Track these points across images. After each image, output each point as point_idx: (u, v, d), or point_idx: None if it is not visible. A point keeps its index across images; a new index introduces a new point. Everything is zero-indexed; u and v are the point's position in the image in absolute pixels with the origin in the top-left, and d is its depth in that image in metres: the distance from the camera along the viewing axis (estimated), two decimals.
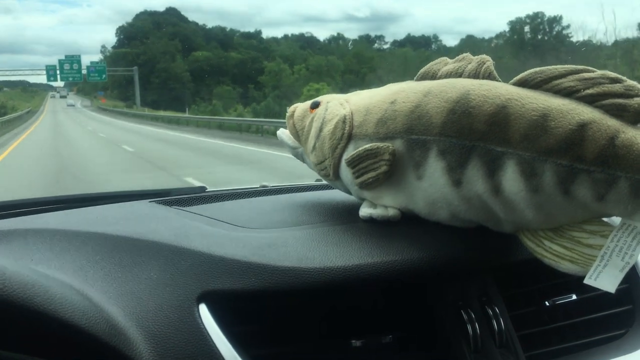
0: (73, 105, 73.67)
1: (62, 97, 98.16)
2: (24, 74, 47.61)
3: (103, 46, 72.87)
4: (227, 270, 0.59)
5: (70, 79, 47.83)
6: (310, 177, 1.06)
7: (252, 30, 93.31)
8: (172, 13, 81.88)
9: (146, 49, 64.84)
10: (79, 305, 0.48)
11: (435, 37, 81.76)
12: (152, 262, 0.62)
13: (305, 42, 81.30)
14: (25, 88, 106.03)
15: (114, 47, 75.71)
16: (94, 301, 0.53)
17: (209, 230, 0.71)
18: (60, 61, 46.30)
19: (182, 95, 57.79)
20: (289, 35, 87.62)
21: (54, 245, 0.67)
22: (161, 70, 61.53)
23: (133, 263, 0.62)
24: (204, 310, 0.57)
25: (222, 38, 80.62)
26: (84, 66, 47.60)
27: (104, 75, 49.34)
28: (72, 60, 46.45)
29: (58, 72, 45.81)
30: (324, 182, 0.92)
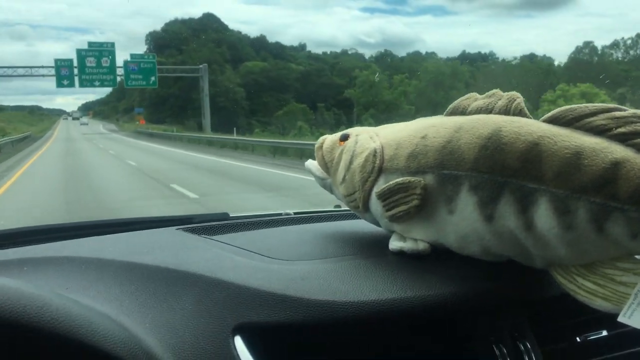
0: (87, 124, 59.89)
1: (74, 119, 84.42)
2: (24, 73, 29.16)
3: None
4: (262, 302, 0.59)
5: (97, 83, 25.26)
6: None
7: (295, 44, 79.71)
8: (210, 19, 67.95)
9: (186, 58, 50.24)
10: (120, 337, 0.49)
11: (492, 54, 68.15)
12: (186, 293, 0.62)
13: (353, 58, 67.00)
14: (33, 111, 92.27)
15: None
16: (132, 332, 0.53)
17: (241, 262, 0.72)
18: (79, 53, 24.86)
19: (234, 114, 43.21)
20: (328, 52, 74.06)
21: (88, 274, 0.67)
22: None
23: (167, 293, 0.62)
24: (239, 342, 0.57)
25: (272, 48, 66.36)
26: (119, 62, 26.12)
27: (152, 78, 26.65)
28: (101, 50, 24.78)
29: (76, 71, 25.05)
30: (344, 208, 0.94)
